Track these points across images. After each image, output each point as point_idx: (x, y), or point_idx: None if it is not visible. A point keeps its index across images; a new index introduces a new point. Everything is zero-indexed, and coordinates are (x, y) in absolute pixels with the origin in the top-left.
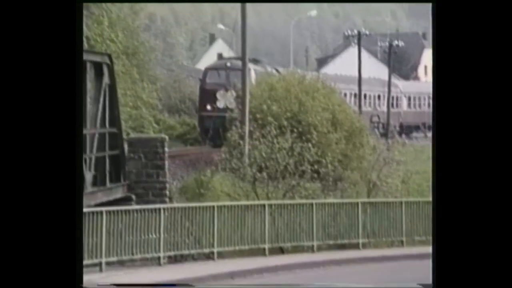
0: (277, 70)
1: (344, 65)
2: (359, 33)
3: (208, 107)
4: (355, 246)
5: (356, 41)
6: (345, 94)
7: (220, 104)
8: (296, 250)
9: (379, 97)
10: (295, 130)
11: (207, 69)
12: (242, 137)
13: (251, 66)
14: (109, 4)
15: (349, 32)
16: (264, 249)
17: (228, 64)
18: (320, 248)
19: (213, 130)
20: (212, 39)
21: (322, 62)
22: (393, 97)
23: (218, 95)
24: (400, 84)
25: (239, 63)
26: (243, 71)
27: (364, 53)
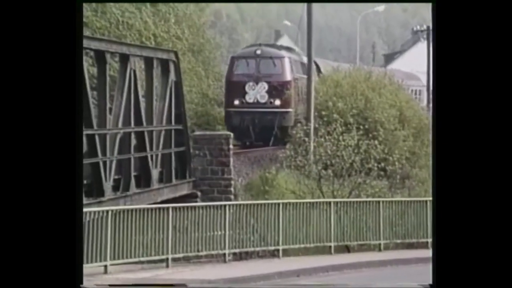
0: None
1: (412, 61)
2: (428, 28)
3: (236, 102)
4: (424, 246)
5: (425, 36)
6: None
7: (249, 98)
8: (362, 248)
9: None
10: (361, 127)
11: (234, 58)
12: (307, 134)
13: (284, 53)
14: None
15: (418, 27)
16: (329, 247)
17: (258, 52)
18: (387, 247)
19: (241, 128)
20: (278, 35)
21: (389, 58)
22: None
23: (247, 87)
24: None
25: (270, 50)
26: (309, 67)
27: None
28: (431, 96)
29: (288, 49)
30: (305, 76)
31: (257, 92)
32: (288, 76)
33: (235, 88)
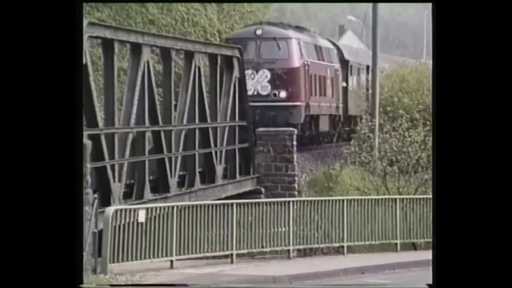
0: (333, 43)
1: None
2: None
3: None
4: None
5: None
6: None
7: (248, 89)
8: (429, 246)
9: None
10: (428, 123)
11: (229, 41)
12: (372, 130)
13: (291, 33)
14: None
15: None
16: (395, 244)
17: (259, 32)
18: None
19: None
20: (342, 30)
21: None
22: None
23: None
24: None
25: (274, 29)
26: (373, 62)
27: None
28: None
29: (298, 28)
30: (323, 62)
31: (257, 82)
32: (296, 62)
33: None
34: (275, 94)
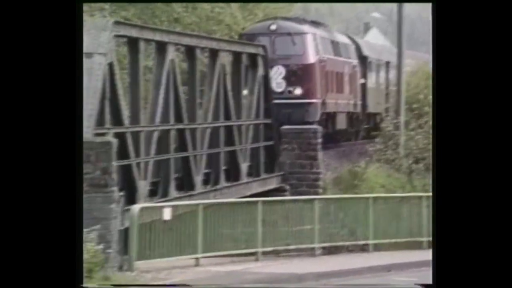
0: (351, 38)
1: None
2: None
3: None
4: None
5: None
6: None
7: None
8: None
9: None
10: None
11: (243, 36)
12: (397, 127)
13: (307, 29)
14: None
15: None
16: (421, 242)
17: (273, 27)
18: None
19: None
20: (367, 28)
21: None
22: None
23: None
24: None
25: (289, 25)
26: (399, 60)
27: None
28: None
29: (314, 23)
30: (340, 58)
31: (272, 79)
32: (312, 58)
33: None
34: (290, 91)
